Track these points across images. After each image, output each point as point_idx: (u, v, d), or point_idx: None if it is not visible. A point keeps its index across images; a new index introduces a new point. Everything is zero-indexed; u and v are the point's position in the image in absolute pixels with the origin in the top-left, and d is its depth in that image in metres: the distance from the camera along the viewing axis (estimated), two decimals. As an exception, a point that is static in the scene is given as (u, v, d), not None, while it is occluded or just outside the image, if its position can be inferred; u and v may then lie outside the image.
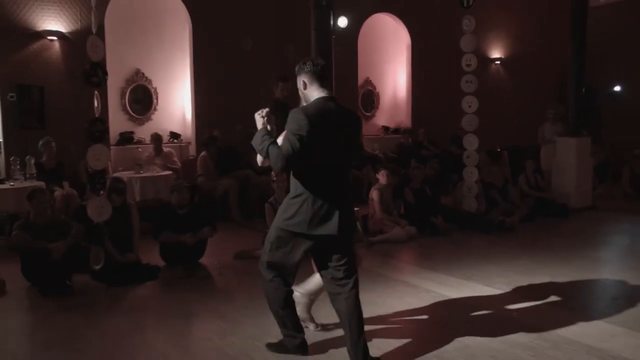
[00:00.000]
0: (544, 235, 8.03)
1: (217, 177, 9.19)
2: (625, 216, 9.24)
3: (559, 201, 9.39)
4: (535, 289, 5.52)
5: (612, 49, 13.20)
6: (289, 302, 4.05)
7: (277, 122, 8.16)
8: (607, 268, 6.33)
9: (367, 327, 4.01)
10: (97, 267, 5.60)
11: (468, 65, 8.29)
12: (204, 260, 6.54)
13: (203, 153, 9.37)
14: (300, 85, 3.87)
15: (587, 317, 4.77)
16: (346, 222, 3.76)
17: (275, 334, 4.44)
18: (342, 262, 3.87)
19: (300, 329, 4.11)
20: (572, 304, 5.10)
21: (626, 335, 4.40)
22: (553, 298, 5.24)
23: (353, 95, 11.80)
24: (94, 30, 5.59)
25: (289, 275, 4.06)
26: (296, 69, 3.87)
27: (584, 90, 9.98)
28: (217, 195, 9.02)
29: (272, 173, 7.21)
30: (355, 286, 3.88)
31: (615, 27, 13.09)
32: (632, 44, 12.76)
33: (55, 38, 9.06)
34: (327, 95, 3.79)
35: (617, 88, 14.02)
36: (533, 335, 4.38)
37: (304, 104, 3.89)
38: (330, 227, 3.72)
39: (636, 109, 12.41)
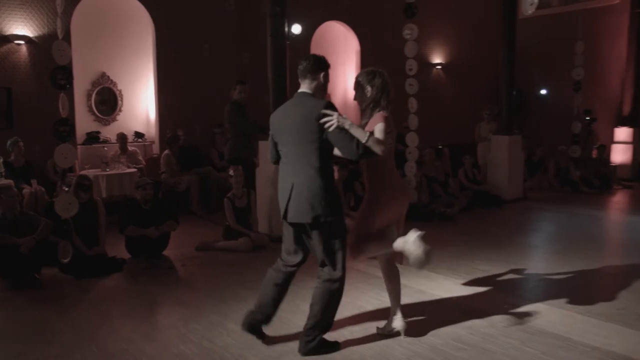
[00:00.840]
0: (480, 224, 8.19)
1: (180, 173, 9.08)
2: (551, 206, 9.50)
3: (493, 193, 9.58)
4: (473, 273, 5.63)
5: (538, 56, 13.55)
6: (279, 286, 3.94)
7: (235, 121, 8.18)
8: (536, 252, 6.51)
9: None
10: (65, 261, 5.45)
11: (410, 70, 8.38)
12: (167, 252, 6.44)
13: (166, 151, 9.24)
14: None
15: (518, 297, 4.91)
16: (296, 211, 3.68)
17: (236, 320, 4.41)
18: (317, 251, 3.78)
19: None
20: (505, 285, 5.22)
21: (549, 311, 4.55)
22: (489, 281, 5.36)
23: (307, 97, 11.76)
24: (60, 35, 5.42)
25: (291, 260, 3.92)
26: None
27: (514, 92, 10.20)
28: (180, 191, 8.91)
29: (230, 169, 7.15)
30: (328, 280, 3.76)
31: (542, 36, 13.42)
32: (555, 51, 13.11)
33: (22, 42, 8.78)
34: (300, 91, 3.84)
35: (544, 91, 14.39)
36: (471, 315, 4.48)
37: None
38: (284, 212, 3.76)
39: (560, 110, 12.76)
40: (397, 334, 4.09)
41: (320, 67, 3.84)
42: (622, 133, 12.70)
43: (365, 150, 3.58)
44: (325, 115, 3.58)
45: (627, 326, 4.24)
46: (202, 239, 6.92)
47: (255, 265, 6.04)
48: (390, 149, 3.93)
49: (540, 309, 4.61)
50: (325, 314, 3.81)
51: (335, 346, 3.91)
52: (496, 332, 4.15)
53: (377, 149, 3.58)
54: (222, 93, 8.31)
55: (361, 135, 3.57)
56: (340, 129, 3.56)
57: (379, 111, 3.87)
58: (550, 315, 4.47)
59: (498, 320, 4.37)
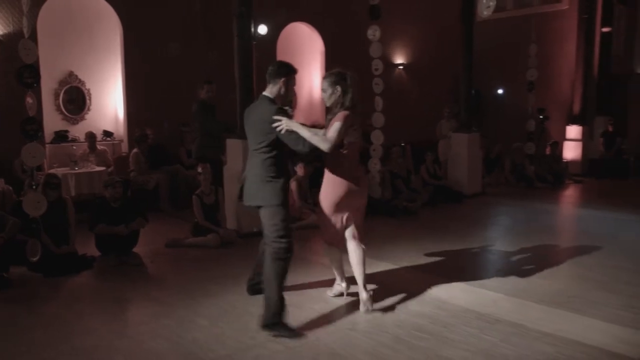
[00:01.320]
0: (441, 218, 8.30)
1: (149, 171, 8.96)
2: (508, 200, 9.69)
3: (454, 188, 9.72)
4: (435, 265, 5.72)
5: (495, 58, 13.78)
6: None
7: (202, 120, 8.11)
8: (493, 245, 6.63)
9: (290, 303, 4.04)
10: (34, 259, 5.33)
11: (376, 70, 8.43)
12: (137, 249, 6.34)
13: (135, 150, 9.10)
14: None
15: (477, 287, 5.00)
16: (247, 196, 4.22)
17: (205, 314, 4.39)
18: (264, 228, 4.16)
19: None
20: (465, 277, 5.31)
21: (506, 300, 4.65)
22: (449, 272, 5.44)
23: (273, 96, 11.73)
24: (26, 34, 5.28)
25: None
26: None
27: (473, 92, 10.36)
28: (149, 189, 8.79)
29: (199, 167, 7.10)
30: (272, 252, 4.07)
31: (498, 39, 13.66)
32: (510, 54, 13.36)
33: (-13, 41, 8.51)
34: (263, 93, 4.24)
35: (500, 91, 14.66)
36: (432, 305, 4.55)
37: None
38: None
39: (515, 109, 13.01)
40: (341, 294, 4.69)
41: (280, 73, 4.16)
42: (573, 131, 13.03)
43: (311, 147, 4.01)
44: (277, 119, 3.98)
45: (577, 312, 4.37)
46: (171, 235, 6.85)
47: (223, 261, 6.02)
48: (355, 145, 4.26)
49: (497, 298, 4.71)
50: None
51: (294, 334, 4.02)
52: (456, 321, 4.22)
53: (323, 146, 4.01)
54: (190, 92, 8.22)
55: (306, 135, 3.99)
56: (289, 131, 3.97)
57: (342, 111, 4.17)
58: (506, 304, 4.57)
59: (458, 310, 4.45)
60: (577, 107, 13.01)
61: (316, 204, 4.50)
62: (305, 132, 4.00)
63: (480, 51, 10.84)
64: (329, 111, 4.29)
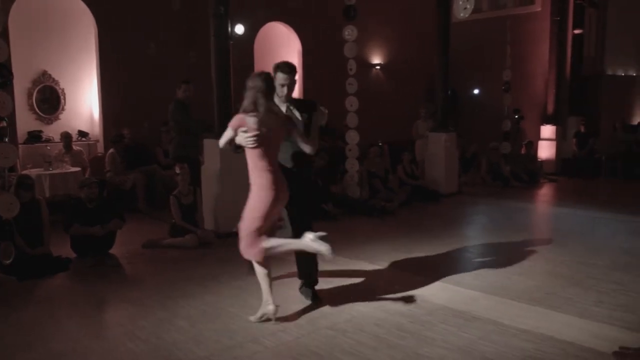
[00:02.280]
0: (419, 218, 8.35)
1: (125, 172, 8.85)
2: (484, 199, 9.79)
3: (431, 188, 9.78)
4: (413, 264, 5.74)
5: (471, 58, 13.91)
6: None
7: (179, 120, 8.03)
8: (470, 243, 6.68)
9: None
10: (7, 262, 5.21)
11: (350, 70, 8.45)
12: (113, 250, 6.26)
13: (111, 150, 8.97)
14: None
15: (455, 285, 5.04)
16: None
17: (184, 316, 4.35)
18: None
19: None
20: (443, 275, 5.33)
21: (484, 298, 4.69)
22: (427, 271, 5.47)
23: (251, 96, 11.68)
24: (-3, 32, 5.17)
25: None
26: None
27: (449, 92, 10.44)
28: (125, 189, 8.68)
29: (176, 167, 7.02)
30: None
31: (473, 39, 13.80)
32: (486, 54, 13.51)
33: (-43, 39, 8.29)
34: None
35: (476, 91, 14.80)
36: (411, 304, 4.57)
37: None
38: None
39: (491, 109, 13.15)
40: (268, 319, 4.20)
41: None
42: (547, 130, 13.23)
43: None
44: None
45: (553, 309, 4.42)
46: (149, 236, 6.77)
47: (201, 261, 5.97)
48: (257, 150, 4.02)
49: (475, 296, 4.74)
50: None
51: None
52: (435, 319, 4.24)
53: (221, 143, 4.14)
54: (168, 91, 8.12)
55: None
56: None
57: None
58: (484, 301, 4.61)
59: (436, 308, 4.47)
60: (550, 108, 13.22)
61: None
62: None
63: (456, 52, 10.94)
64: None
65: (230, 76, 7.19)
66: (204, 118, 7.62)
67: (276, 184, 4.07)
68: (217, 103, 7.08)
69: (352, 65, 8.42)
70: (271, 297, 4.21)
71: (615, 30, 14.10)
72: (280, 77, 4.36)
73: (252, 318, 4.22)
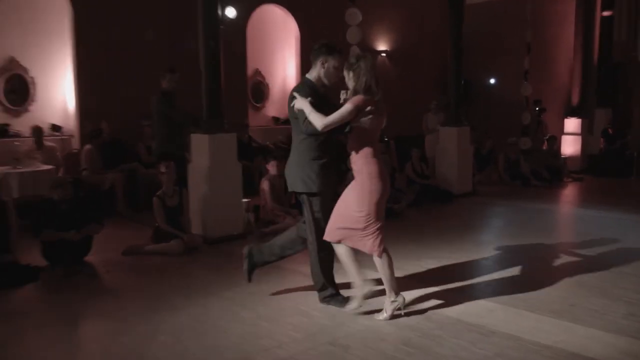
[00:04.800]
0: (429, 220, 8.36)
1: (103, 170, 8.85)
2: (501, 200, 9.80)
3: (442, 187, 9.79)
4: (422, 273, 5.74)
5: (486, 44, 13.91)
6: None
7: (164, 112, 8.02)
8: (486, 249, 6.68)
9: (263, 317, 4.01)
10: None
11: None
12: (90, 258, 6.26)
13: (88, 146, 8.97)
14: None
15: (469, 296, 5.04)
16: (289, 182, 4.77)
17: (168, 330, 4.35)
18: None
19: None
20: (455, 284, 5.34)
21: (501, 310, 4.70)
22: (438, 280, 5.47)
23: (242, 86, 11.69)
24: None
25: None
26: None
27: (462, 82, 10.46)
28: (104, 190, 8.69)
29: (160, 165, 7.03)
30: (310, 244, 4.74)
31: (490, 22, 13.81)
32: (503, 39, 13.52)
33: None
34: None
35: (493, 80, 14.81)
36: (420, 317, 4.57)
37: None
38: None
39: (508, 100, 13.15)
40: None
41: (319, 53, 4.57)
42: (572, 124, 13.22)
43: (309, 126, 4.32)
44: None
45: (577, 322, 4.42)
46: (129, 242, 6.76)
47: (188, 269, 5.97)
48: (360, 130, 4.35)
49: (491, 307, 4.75)
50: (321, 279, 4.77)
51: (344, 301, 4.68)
52: (446, 334, 4.24)
53: (317, 124, 4.25)
54: (151, 82, 8.12)
55: (306, 111, 4.30)
56: (300, 110, 4.37)
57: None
58: (501, 314, 4.62)
59: (448, 321, 4.47)
60: (575, 98, 13.20)
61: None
62: (307, 109, 4.29)
63: (470, 37, 10.95)
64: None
65: (221, 64, 7.18)
66: (191, 111, 7.61)
67: (385, 173, 4.43)
68: (205, 94, 7.08)
69: (355, 53, 8.41)
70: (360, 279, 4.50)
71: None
72: (337, 60, 4.58)
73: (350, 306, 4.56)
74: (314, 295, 5.00)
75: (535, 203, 9.45)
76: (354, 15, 8.35)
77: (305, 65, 12.50)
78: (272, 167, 7.90)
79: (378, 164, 4.38)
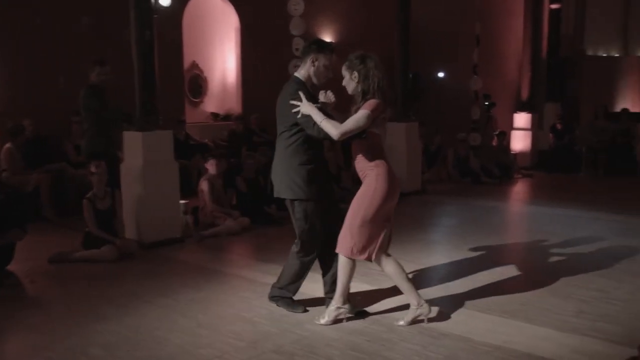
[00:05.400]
0: (377, 220, 8.42)
1: (26, 171, 8.60)
2: (450, 198, 9.99)
3: (390, 185, 9.87)
4: (369, 275, 5.78)
5: (435, 35, 14.11)
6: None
7: (93, 108, 7.83)
8: (436, 249, 6.81)
9: (203, 325, 3.97)
10: None
11: (297, 50, 8.46)
12: (12, 267, 6.06)
13: (8, 144, 8.68)
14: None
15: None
16: (275, 187, 4.69)
17: (100, 343, 4.26)
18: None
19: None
20: (405, 286, 5.41)
21: (451, 311, 4.78)
22: (386, 283, 5.52)
23: (178, 80, 11.52)
24: None
25: None
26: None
27: (410, 75, 10.59)
28: (27, 192, 8.42)
29: (91, 165, 6.87)
30: (296, 253, 4.71)
31: (438, 13, 14.02)
32: (452, 30, 13.74)
33: None
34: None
35: (441, 74, 15.05)
36: (368, 320, 4.61)
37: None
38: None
39: (458, 94, 13.38)
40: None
41: (309, 51, 4.58)
42: (521, 119, 13.58)
43: (322, 133, 4.29)
44: (295, 102, 4.35)
45: (529, 322, 4.55)
46: (57, 249, 6.59)
47: (122, 277, 5.86)
48: (376, 137, 4.45)
49: (442, 309, 4.83)
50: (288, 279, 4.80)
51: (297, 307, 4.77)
52: (396, 337, 4.29)
53: (333, 132, 4.20)
54: (79, 74, 7.91)
55: (318, 119, 4.25)
56: (305, 114, 4.32)
57: (370, 98, 4.31)
58: (452, 315, 4.70)
59: (397, 324, 4.52)
60: (525, 93, 13.57)
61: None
62: (317, 116, 4.26)
63: (419, 28, 11.10)
64: (354, 101, 4.43)
65: (155, 56, 7.07)
66: (123, 106, 7.47)
67: (393, 176, 4.49)
68: (138, 88, 6.96)
69: (299, 44, 8.43)
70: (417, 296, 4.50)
71: (596, 5, 14.60)
72: (328, 58, 4.62)
73: (402, 322, 4.50)
74: (257, 301, 5.00)
75: (486, 200, 9.68)
76: (297, 5, 8.36)
77: (246, 58, 12.45)
78: (211, 167, 7.83)
79: (388, 167, 4.49)
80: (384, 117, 4.40)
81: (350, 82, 4.39)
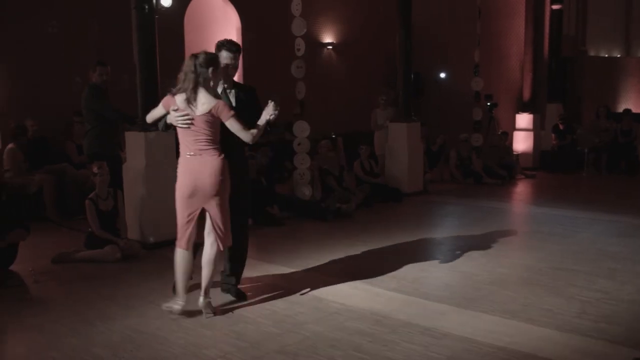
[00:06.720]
0: (379, 221, 8.44)
1: (29, 172, 8.62)
2: (452, 199, 9.99)
3: (392, 185, 9.90)
4: (372, 275, 5.79)
5: (436, 36, 14.14)
6: None
7: (95, 108, 7.85)
8: (438, 250, 6.81)
9: (206, 325, 3.98)
10: None
11: (298, 50, 8.47)
12: (15, 266, 6.08)
13: (10, 145, 8.71)
14: None
15: (422, 298, 5.12)
16: None
17: (103, 343, 4.28)
18: None
19: None
20: (407, 286, 5.42)
21: (454, 312, 4.80)
22: (388, 283, 5.54)
23: (180, 80, 11.55)
24: None
25: None
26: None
27: (412, 75, 10.60)
28: (30, 193, 8.45)
29: (93, 166, 6.88)
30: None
31: (440, 14, 14.04)
32: (454, 31, 13.75)
33: None
34: None
35: (443, 74, 15.06)
36: (371, 321, 4.62)
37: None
38: None
39: (460, 95, 13.39)
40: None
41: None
42: (524, 120, 13.58)
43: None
44: None
45: (531, 323, 4.56)
46: (60, 249, 6.61)
47: (125, 278, 5.87)
48: (187, 131, 4.58)
49: (444, 309, 4.84)
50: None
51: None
52: (398, 338, 4.30)
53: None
54: (81, 75, 7.94)
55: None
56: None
57: None
58: (454, 316, 4.71)
59: (400, 325, 4.54)
60: (527, 93, 13.57)
61: None
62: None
63: (421, 29, 11.12)
64: None
65: (157, 57, 7.09)
66: (125, 107, 7.49)
67: (192, 173, 4.58)
68: (140, 88, 6.97)
69: (300, 45, 8.44)
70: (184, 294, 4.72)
71: (597, 5, 14.60)
72: (224, 56, 4.76)
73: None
74: (258, 302, 5.01)
75: (488, 201, 9.68)
76: (298, 6, 8.36)
77: (247, 59, 12.43)
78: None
79: (185, 162, 4.66)
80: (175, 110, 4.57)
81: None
